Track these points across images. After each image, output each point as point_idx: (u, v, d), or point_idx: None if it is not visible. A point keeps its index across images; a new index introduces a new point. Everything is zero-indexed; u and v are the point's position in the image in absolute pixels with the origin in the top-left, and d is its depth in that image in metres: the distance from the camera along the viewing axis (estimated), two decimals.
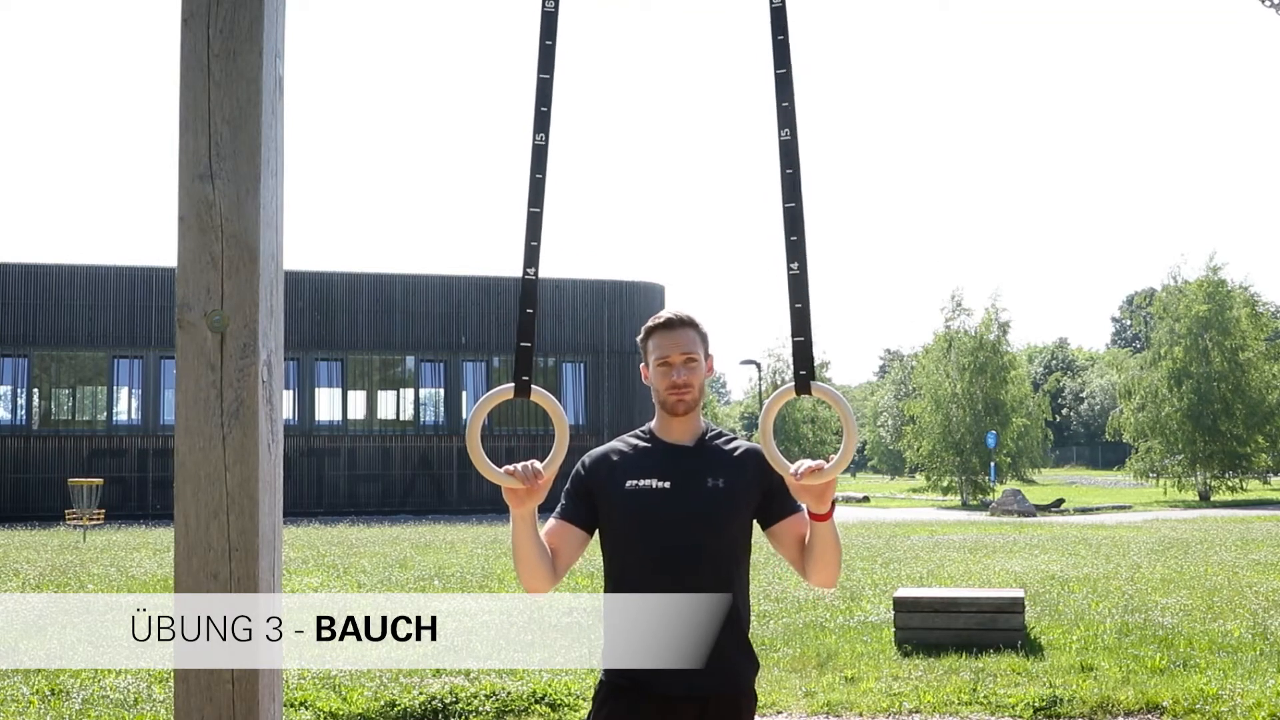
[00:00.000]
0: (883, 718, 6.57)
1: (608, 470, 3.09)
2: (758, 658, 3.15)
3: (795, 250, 2.87)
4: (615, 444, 3.18)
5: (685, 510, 3.00)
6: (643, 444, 3.13)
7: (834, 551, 2.98)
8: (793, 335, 2.91)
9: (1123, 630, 8.90)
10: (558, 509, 3.12)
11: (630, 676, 2.99)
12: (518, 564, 2.94)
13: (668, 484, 3.03)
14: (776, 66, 2.89)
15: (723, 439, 3.15)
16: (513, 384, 2.84)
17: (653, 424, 3.16)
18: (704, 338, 3.14)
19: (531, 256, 2.87)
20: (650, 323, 3.16)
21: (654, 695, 2.95)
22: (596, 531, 3.09)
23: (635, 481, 3.04)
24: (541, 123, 2.84)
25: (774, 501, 3.08)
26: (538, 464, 2.84)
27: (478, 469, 2.83)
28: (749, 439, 3.26)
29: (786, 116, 2.89)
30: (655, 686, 2.95)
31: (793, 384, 2.89)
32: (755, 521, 3.11)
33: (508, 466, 2.82)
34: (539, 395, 2.85)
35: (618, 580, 3.04)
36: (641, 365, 3.18)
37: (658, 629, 2.96)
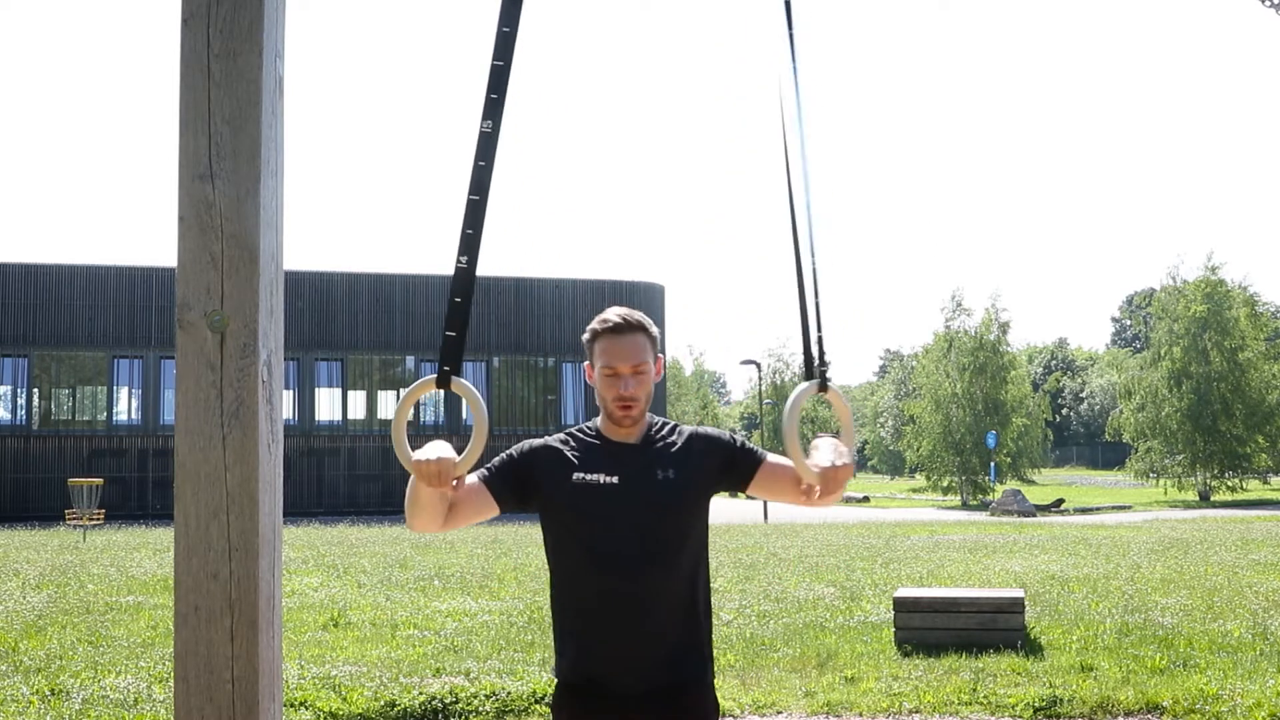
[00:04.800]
0: (883, 718, 6.57)
1: (553, 461, 2.97)
2: (713, 654, 3.09)
3: (811, 248, 2.90)
4: (561, 436, 3.06)
5: (636, 504, 2.91)
6: (589, 439, 3.01)
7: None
8: (815, 331, 2.91)
9: (1123, 630, 8.90)
10: (482, 471, 2.97)
11: (587, 677, 2.90)
12: (411, 503, 2.82)
13: (616, 479, 2.93)
14: (791, 63, 2.89)
15: (666, 430, 3.05)
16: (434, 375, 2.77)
17: (598, 422, 3.05)
18: (654, 340, 3.00)
19: (467, 245, 2.78)
20: (596, 325, 2.99)
21: (612, 695, 2.88)
22: (498, 507, 2.95)
23: (582, 475, 2.94)
24: (491, 110, 2.77)
25: (738, 462, 3.01)
26: (452, 464, 2.71)
27: (398, 457, 2.77)
28: (746, 437, 3.20)
29: (799, 112, 2.89)
30: (613, 686, 2.88)
31: (815, 382, 2.89)
32: (735, 487, 3.03)
33: (418, 456, 2.70)
34: (459, 386, 2.78)
35: (568, 579, 2.95)
36: (586, 365, 3.02)
37: (613, 628, 2.88)
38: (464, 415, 32.28)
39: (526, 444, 3.02)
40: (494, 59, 2.78)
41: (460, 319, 2.78)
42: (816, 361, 2.92)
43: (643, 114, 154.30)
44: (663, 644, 2.90)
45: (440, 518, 2.86)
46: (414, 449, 2.75)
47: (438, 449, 2.73)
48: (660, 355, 3.03)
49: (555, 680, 3.02)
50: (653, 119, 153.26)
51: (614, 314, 2.99)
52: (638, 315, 3.00)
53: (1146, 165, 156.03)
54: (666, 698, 2.90)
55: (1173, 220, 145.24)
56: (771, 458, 3.04)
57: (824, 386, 2.90)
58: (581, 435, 3.04)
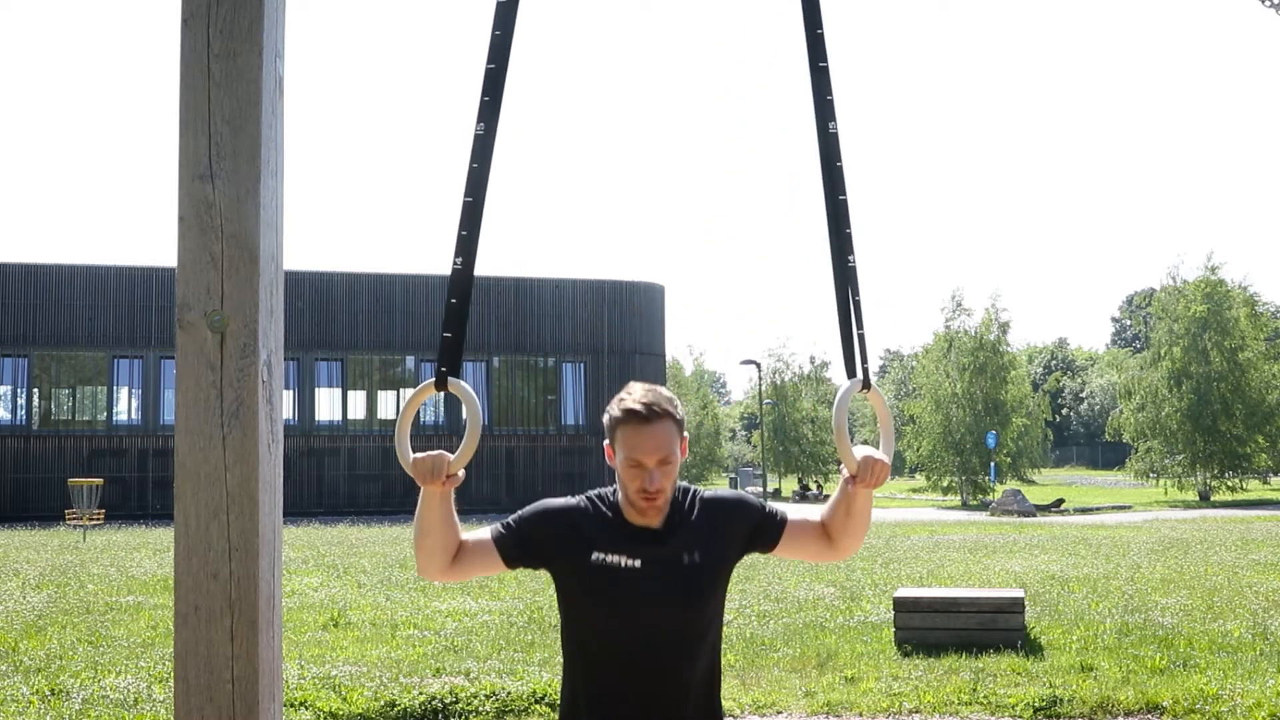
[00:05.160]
0: (883, 718, 6.56)
1: (568, 534, 2.79)
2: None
3: (848, 244, 2.87)
4: (580, 504, 2.86)
5: (660, 593, 2.75)
6: (608, 515, 2.81)
7: (869, 515, 2.88)
8: (855, 329, 2.90)
9: (1123, 630, 8.90)
10: (496, 526, 2.86)
11: None
12: (418, 538, 2.76)
13: (638, 562, 2.75)
14: (817, 60, 2.86)
15: (687, 503, 2.85)
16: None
17: (618, 497, 2.84)
18: (680, 424, 2.79)
19: (463, 246, 2.75)
20: (620, 410, 2.76)
21: None
22: (504, 565, 2.83)
23: (602, 556, 2.76)
24: (485, 112, 2.75)
25: (765, 530, 2.88)
26: (446, 460, 2.69)
27: (400, 461, 2.76)
28: (764, 499, 3.10)
29: (829, 109, 2.88)
30: None
31: (859, 380, 2.86)
32: (758, 551, 2.91)
33: (417, 456, 2.69)
34: (454, 386, 2.75)
35: (584, 661, 2.81)
36: (607, 445, 2.81)
37: (629, 715, 2.75)
38: (463, 415, 32.28)
39: (543, 507, 2.86)
40: (488, 62, 2.77)
41: (457, 321, 2.75)
42: (860, 360, 2.87)
43: (643, 114, 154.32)
44: (681, 713, 2.78)
45: (448, 553, 2.78)
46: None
47: (434, 451, 2.72)
48: (685, 437, 2.84)
49: None
50: (653, 119, 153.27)
51: (639, 399, 2.76)
52: (664, 400, 2.78)
53: (1146, 165, 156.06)
54: None
55: (1173, 220, 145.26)
56: (794, 518, 2.93)
57: (866, 385, 2.87)
58: (601, 506, 2.83)
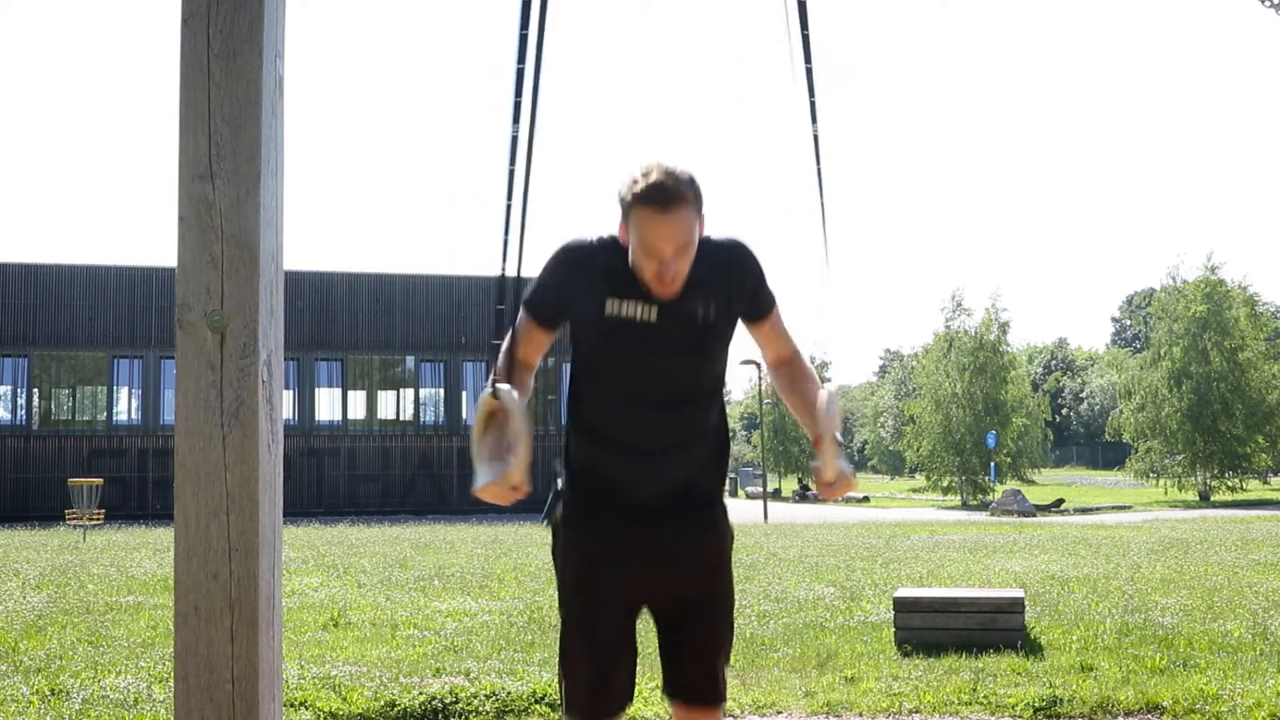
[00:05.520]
0: (883, 718, 6.56)
1: (588, 282, 2.69)
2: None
3: (825, 243, 2.96)
4: (596, 246, 2.73)
5: (673, 347, 2.70)
6: (621, 263, 2.69)
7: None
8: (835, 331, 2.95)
9: (1123, 630, 8.90)
10: (531, 301, 2.78)
11: (600, 490, 2.77)
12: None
13: (653, 314, 2.67)
14: (804, 62, 2.88)
15: (702, 257, 2.72)
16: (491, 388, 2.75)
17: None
18: (699, 204, 2.63)
19: (509, 253, 2.75)
20: (636, 189, 2.57)
21: (621, 505, 2.76)
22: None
23: (617, 307, 2.68)
24: (518, 114, 2.74)
25: (758, 302, 2.87)
26: (509, 485, 2.65)
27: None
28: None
29: (813, 111, 2.89)
30: (626, 501, 2.76)
31: (835, 387, 2.95)
32: (743, 318, 2.90)
33: (479, 491, 2.68)
34: (506, 396, 2.72)
35: (592, 408, 2.77)
36: (621, 224, 2.66)
37: (634, 464, 2.75)
38: (463, 415, 32.25)
39: (562, 260, 2.74)
40: (516, 63, 2.75)
41: (504, 326, 2.78)
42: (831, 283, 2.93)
43: (642, 114, 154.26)
44: (688, 471, 2.79)
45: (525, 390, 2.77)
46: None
47: (486, 476, 2.68)
48: (702, 216, 2.68)
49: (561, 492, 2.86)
50: (653, 119, 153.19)
51: (657, 178, 2.57)
52: (684, 184, 2.58)
53: (1146, 165, 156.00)
54: (681, 508, 2.80)
55: (1173, 220, 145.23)
56: (775, 314, 2.93)
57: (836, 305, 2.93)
58: (615, 253, 2.70)
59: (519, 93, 2.74)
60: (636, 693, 2.97)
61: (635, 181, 2.60)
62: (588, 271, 2.71)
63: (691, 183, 2.62)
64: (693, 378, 2.77)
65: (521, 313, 2.82)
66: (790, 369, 3.01)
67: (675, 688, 2.96)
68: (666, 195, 2.55)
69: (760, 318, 2.91)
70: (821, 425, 2.85)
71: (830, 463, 2.85)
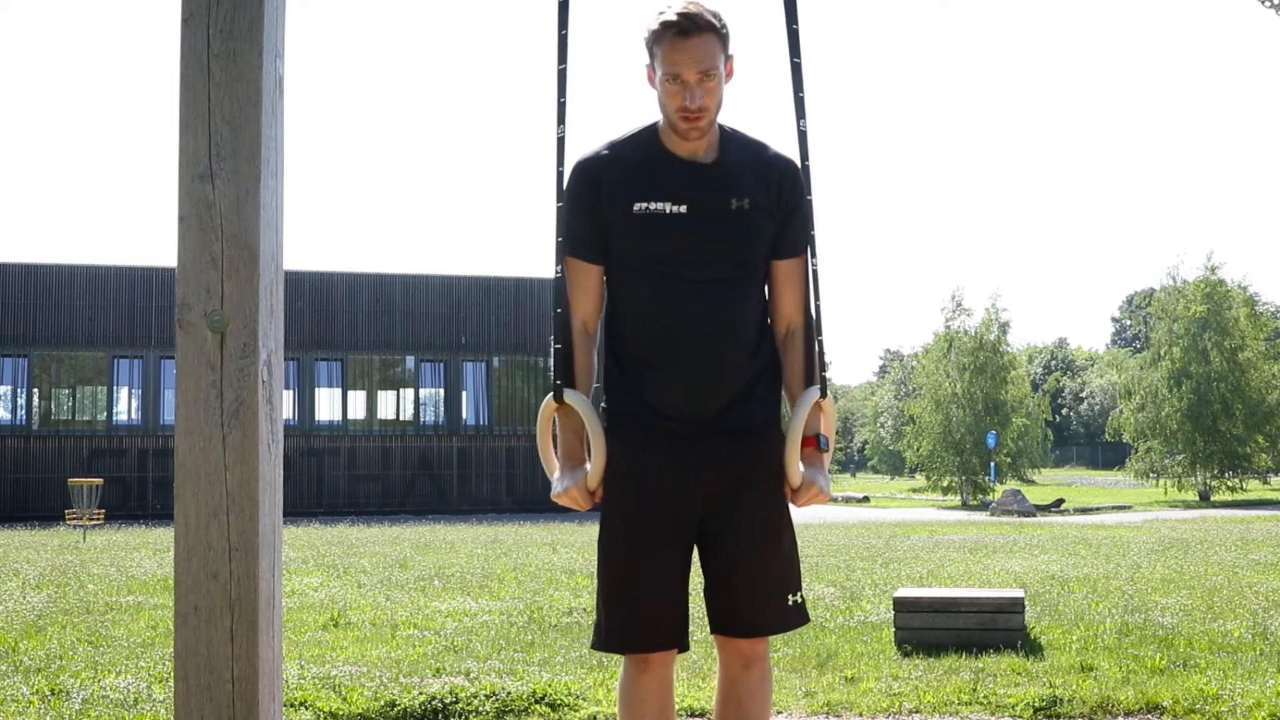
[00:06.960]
0: (883, 718, 6.56)
1: (609, 187, 2.66)
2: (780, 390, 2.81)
3: (813, 246, 2.89)
4: (615, 150, 2.70)
5: (705, 237, 2.62)
6: (651, 153, 2.68)
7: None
8: (816, 334, 2.88)
9: (1123, 630, 8.90)
10: (572, 243, 2.68)
11: (642, 404, 2.67)
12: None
13: (683, 208, 2.62)
14: (791, 56, 2.84)
15: (741, 144, 2.70)
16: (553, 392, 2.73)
17: (659, 127, 2.69)
18: (725, 40, 2.61)
19: (559, 250, 2.74)
20: (658, 23, 2.58)
21: (670, 425, 2.66)
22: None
23: (644, 205, 2.63)
24: (562, 114, 2.71)
25: (790, 229, 2.73)
26: (584, 492, 2.66)
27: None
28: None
29: (801, 107, 2.86)
30: (673, 416, 2.66)
31: (817, 388, 2.83)
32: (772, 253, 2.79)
33: (558, 496, 2.68)
34: (571, 399, 2.70)
35: (627, 309, 2.68)
36: (647, 67, 2.66)
37: (679, 362, 2.64)
38: (463, 415, 32.26)
39: (580, 173, 2.69)
40: (558, 63, 2.73)
41: (564, 330, 2.72)
42: (819, 368, 2.84)
43: (642, 113, 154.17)
44: (733, 377, 2.67)
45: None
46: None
47: (564, 481, 2.67)
48: (731, 56, 2.67)
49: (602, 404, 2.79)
50: (652, 118, 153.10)
51: (678, 8, 2.59)
52: (707, 12, 2.60)
53: (1146, 165, 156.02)
54: (730, 435, 2.69)
55: (1173, 220, 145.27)
56: (802, 261, 2.77)
57: (824, 393, 2.83)
58: (640, 148, 2.68)
59: (562, 93, 2.70)
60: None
61: (660, 13, 2.61)
62: (607, 178, 2.67)
63: (716, 15, 2.61)
64: (725, 256, 2.64)
65: (564, 262, 2.72)
66: (790, 341, 2.83)
67: (721, 621, 2.83)
68: (689, 20, 2.56)
69: (784, 254, 2.76)
70: (794, 423, 2.74)
71: (794, 468, 2.74)
